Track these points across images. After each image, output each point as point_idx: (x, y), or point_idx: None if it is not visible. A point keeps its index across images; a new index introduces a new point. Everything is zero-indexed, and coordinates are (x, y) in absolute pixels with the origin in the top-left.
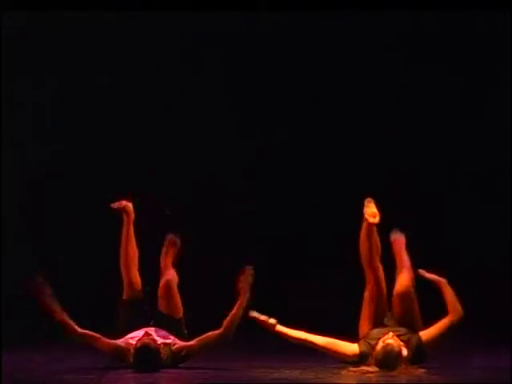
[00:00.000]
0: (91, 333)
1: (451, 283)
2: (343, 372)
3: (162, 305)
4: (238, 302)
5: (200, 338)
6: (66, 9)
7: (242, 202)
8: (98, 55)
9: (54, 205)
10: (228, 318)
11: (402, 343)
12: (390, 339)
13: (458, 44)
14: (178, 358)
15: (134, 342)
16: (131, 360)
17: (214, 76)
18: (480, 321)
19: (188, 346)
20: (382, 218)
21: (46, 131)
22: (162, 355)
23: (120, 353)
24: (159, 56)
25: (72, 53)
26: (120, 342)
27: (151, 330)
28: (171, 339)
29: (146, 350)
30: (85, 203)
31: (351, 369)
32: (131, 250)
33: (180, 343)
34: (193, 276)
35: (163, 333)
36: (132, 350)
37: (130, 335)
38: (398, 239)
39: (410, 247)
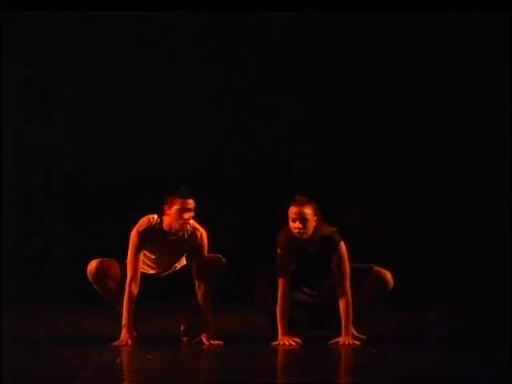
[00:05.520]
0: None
1: None
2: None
3: None
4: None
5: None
6: (66, 9)
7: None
8: (98, 54)
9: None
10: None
11: None
12: None
13: (458, 44)
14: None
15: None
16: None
17: (213, 75)
18: None
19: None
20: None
21: (46, 132)
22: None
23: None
24: (159, 56)
25: (71, 52)
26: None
27: None
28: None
29: None
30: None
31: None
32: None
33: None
34: None
35: None
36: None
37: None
38: None
39: None
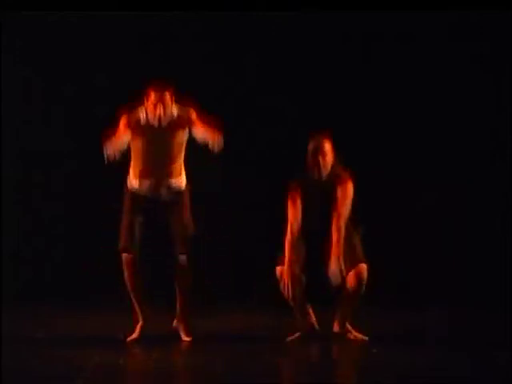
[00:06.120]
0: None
1: None
2: None
3: None
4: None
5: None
6: (66, 9)
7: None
8: (98, 54)
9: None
10: None
11: None
12: None
13: (458, 44)
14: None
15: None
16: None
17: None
18: None
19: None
20: None
21: (46, 132)
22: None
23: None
24: (159, 56)
25: (71, 52)
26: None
27: None
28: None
29: None
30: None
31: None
32: None
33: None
34: None
35: None
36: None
37: None
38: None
39: None
